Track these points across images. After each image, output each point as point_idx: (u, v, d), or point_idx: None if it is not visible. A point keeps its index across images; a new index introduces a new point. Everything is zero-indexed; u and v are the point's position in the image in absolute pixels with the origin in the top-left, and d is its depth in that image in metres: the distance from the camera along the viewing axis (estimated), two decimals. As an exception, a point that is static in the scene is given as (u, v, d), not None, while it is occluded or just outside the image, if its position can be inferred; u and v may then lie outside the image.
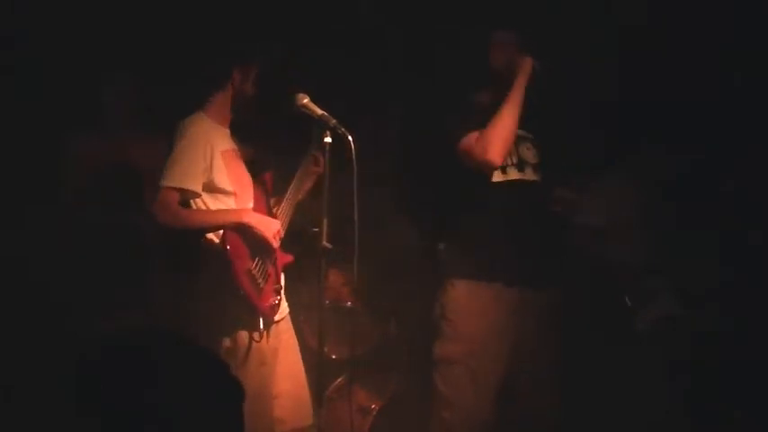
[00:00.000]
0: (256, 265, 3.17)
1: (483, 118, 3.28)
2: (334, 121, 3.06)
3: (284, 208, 3.34)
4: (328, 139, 3.06)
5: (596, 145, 3.86)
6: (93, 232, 3.96)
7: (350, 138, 3.01)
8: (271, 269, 3.24)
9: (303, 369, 3.41)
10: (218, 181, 3.19)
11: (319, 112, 3.08)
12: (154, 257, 4.04)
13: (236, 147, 3.32)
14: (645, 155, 3.86)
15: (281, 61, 3.32)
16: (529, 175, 3.38)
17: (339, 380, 3.99)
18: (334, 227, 3.05)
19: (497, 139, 3.20)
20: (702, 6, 3.80)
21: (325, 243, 3.02)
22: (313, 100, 3.13)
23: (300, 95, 3.13)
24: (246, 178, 3.32)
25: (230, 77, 3.25)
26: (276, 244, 3.18)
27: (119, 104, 4.10)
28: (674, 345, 3.61)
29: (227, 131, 3.31)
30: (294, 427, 3.34)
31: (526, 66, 3.27)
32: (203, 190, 3.16)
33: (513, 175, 3.35)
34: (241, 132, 3.36)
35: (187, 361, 1.29)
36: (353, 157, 2.97)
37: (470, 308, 3.30)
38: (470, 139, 3.23)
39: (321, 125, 3.08)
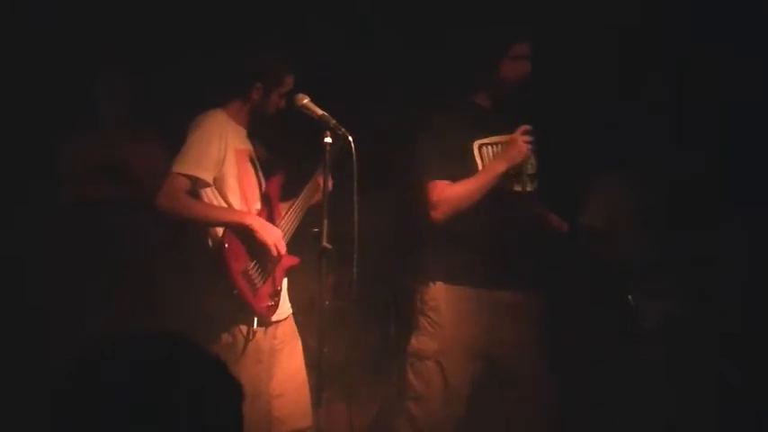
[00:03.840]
0: (255, 265, 3.17)
1: (483, 121, 3.32)
2: (333, 121, 3.06)
3: (289, 218, 3.33)
4: (328, 140, 3.06)
5: (597, 145, 3.86)
6: (91, 231, 3.96)
7: (350, 138, 3.00)
8: (271, 271, 3.24)
9: (305, 371, 3.41)
10: (228, 177, 3.18)
11: (319, 112, 3.08)
12: (154, 256, 4.04)
13: (251, 148, 3.31)
14: (646, 155, 3.86)
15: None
16: (524, 185, 3.39)
17: (339, 380, 3.98)
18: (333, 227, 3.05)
19: (450, 205, 3.26)
20: (704, 6, 3.80)
21: (325, 243, 3.02)
22: (313, 100, 3.13)
23: (300, 96, 3.12)
24: (254, 180, 3.30)
25: (250, 90, 3.22)
26: (275, 252, 3.17)
27: (114, 104, 4.10)
28: (676, 344, 3.61)
29: (245, 132, 3.30)
30: (293, 428, 3.34)
31: (517, 155, 3.26)
32: (213, 181, 3.16)
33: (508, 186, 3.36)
34: (256, 134, 3.36)
35: (187, 360, 1.29)
36: (353, 157, 2.97)
37: (447, 306, 3.34)
38: (437, 186, 3.28)
39: (321, 126, 3.07)
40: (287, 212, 3.35)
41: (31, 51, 4.09)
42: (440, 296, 3.34)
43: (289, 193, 3.44)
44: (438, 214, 3.28)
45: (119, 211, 3.95)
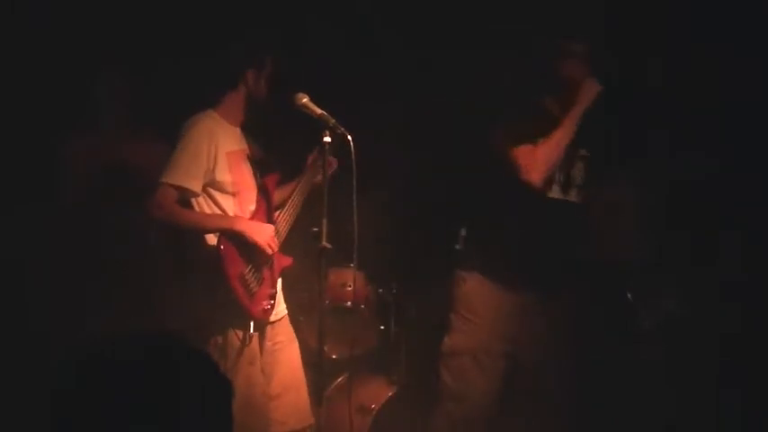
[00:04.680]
0: (250, 270, 3.17)
1: (548, 125, 3.27)
2: (333, 120, 3.06)
3: (285, 215, 3.33)
4: (327, 139, 3.06)
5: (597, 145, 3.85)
6: (91, 231, 3.96)
7: (349, 137, 3.00)
8: (266, 273, 3.24)
9: (302, 371, 3.41)
10: (220, 181, 3.18)
11: (318, 111, 3.08)
12: (154, 256, 4.03)
13: (246, 148, 3.31)
14: (647, 155, 3.86)
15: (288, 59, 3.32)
16: (572, 196, 3.39)
17: (339, 380, 3.99)
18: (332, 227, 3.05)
19: (543, 162, 3.21)
20: (704, 6, 3.80)
21: (324, 243, 3.02)
22: (312, 99, 3.13)
23: (300, 95, 3.12)
24: (251, 181, 3.30)
25: (244, 77, 3.24)
26: (269, 251, 3.18)
27: (114, 104, 4.10)
28: (676, 344, 3.61)
29: (238, 131, 3.30)
30: (293, 429, 3.34)
31: (590, 91, 3.23)
32: (204, 188, 3.16)
33: (556, 194, 3.36)
34: (250, 133, 3.36)
35: (186, 361, 1.29)
36: (353, 156, 2.98)
37: (482, 303, 3.34)
38: (520, 152, 3.23)
39: (320, 125, 3.07)
40: (282, 210, 3.35)
41: (31, 51, 4.08)
42: (473, 292, 3.35)
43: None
44: (535, 176, 3.21)
45: (119, 211, 3.95)
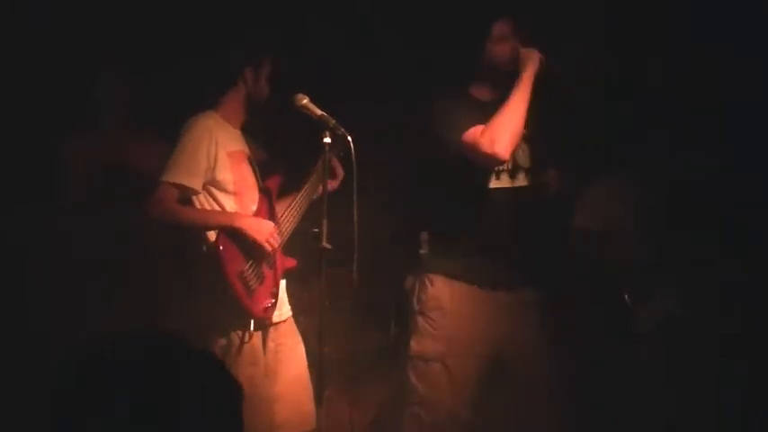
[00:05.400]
0: (250, 267, 3.16)
1: (483, 114, 3.19)
2: (333, 121, 3.06)
3: (289, 215, 3.32)
4: (328, 140, 3.06)
5: (597, 145, 3.86)
6: (91, 231, 3.96)
7: (349, 138, 3.01)
8: (267, 272, 3.23)
9: (308, 374, 3.39)
10: (221, 180, 3.18)
11: (319, 112, 3.08)
12: (154, 256, 4.03)
13: (246, 149, 3.31)
14: (647, 155, 3.86)
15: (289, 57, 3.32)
16: (521, 181, 3.34)
17: (339, 380, 3.98)
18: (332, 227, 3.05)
19: (505, 131, 3.08)
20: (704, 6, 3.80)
21: (324, 243, 3.02)
22: (312, 100, 3.13)
23: (300, 96, 3.12)
24: (252, 181, 3.30)
25: (242, 76, 3.23)
26: (269, 248, 3.16)
27: (114, 104, 4.10)
28: (675, 344, 3.61)
29: (239, 133, 3.30)
30: (295, 432, 3.33)
31: (533, 58, 3.16)
32: (205, 187, 3.16)
33: (506, 182, 3.30)
34: (253, 134, 3.36)
35: (186, 360, 1.29)
36: (353, 157, 2.98)
37: (450, 306, 3.27)
38: (475, 131, 3.13)
39: (321, 126, 3.08)
40: (287, 210, 3.34)
41: (31, 51, 4.08)
42: (441, 295, 3.28)
43: (287, 192, 3.44)
44: (499, 147, 3.07)
45: (119, 211, 3.95)
